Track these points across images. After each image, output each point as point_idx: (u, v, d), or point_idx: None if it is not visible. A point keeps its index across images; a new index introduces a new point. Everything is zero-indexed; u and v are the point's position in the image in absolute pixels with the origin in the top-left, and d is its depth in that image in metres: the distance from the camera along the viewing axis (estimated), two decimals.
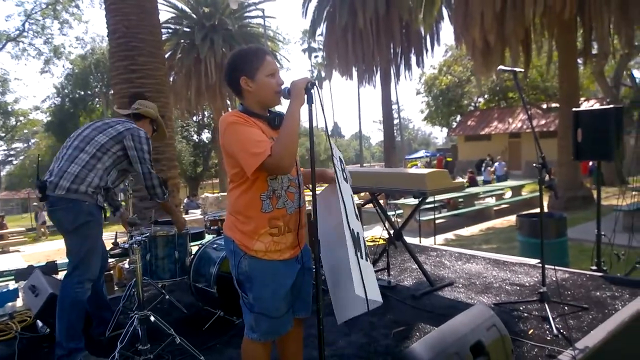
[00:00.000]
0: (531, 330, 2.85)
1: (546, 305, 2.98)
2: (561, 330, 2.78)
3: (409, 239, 7.57)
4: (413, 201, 10.60)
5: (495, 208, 13.61)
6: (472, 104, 32.25)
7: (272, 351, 2.04)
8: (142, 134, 2.94)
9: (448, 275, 4.16)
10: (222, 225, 3.89)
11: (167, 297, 3.52)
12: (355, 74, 22.23)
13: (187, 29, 22.62)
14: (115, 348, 2.56)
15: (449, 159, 30.76)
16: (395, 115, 62.38)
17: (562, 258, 5.44)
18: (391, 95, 22.83)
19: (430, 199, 12.77)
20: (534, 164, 3.07)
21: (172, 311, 3.59)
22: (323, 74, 50.24)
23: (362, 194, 5.25)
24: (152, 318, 2.70)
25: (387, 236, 4.09)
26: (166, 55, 22.85)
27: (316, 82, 1.81)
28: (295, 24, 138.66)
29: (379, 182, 3.92)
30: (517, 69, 3.17)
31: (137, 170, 2.93)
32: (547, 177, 3.09)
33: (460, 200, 13.65)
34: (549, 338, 2.72)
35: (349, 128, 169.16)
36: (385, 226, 4.03)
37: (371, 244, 5.52)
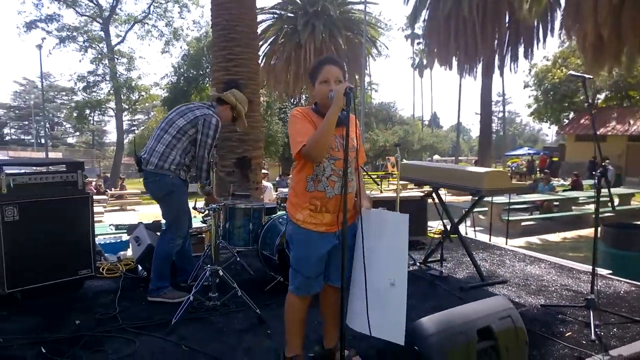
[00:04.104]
0: (569, 333, 2.91)
1: (590, 312, 2.99)
2: (601, 337, 2.81)
3: (495, 239, 7.53)
4: (497, 199, 10.32)
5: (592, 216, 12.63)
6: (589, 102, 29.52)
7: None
8: (214, 121, 3.33)
9: (504, 274, 4.23)
10: None
11: (239, 259, 4.07)
12: (455, 64, 21.55)
13: (291, 14, 23.50)
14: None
15: (554, 159, 28.68)
16: (500, 108, 58.98)
17: None
18: (492, 87, 21.83)
19: (519, 199, 12.35)
20: None
21: (242, 273, 4.15)
22: (425, 62, 49.04)
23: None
24: (221, 272, 3.22)
25: (443, 229, 4.25)
26: (269, 40, 24.08)
27: (353, 89, 2.09)
28: (400, 9, 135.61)
29: (440, 177, 4.08)
30: (587, 76, 3.15)
31: (196, 151, 3.32)
32: None
33: (556, 203, 12.91)
34: (584, 342, 2.77)
35: (448, 119, 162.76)
36: (442, 220, 4.19)
37: (437, 236, 5.65)
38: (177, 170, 3.32)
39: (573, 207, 13.06)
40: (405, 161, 4.88)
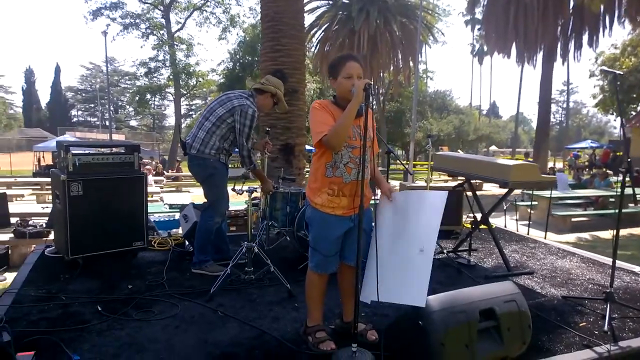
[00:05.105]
0: (583, 323, 2.99)
1: (608, 304, 3.05)
2: (613, 329, 2.88)
3: (539, 233, 7.48)
4: (545, 194, 10.10)
5: None
6: None
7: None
8: (250, 111, 3.55)
9: (532, 266, 4.29)
10: None
11: (288, 238, 4.40)
12: (514, 52, 20.77)
13: (346, 1, 23.47)
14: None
15: (619, 153, 27.09)
16: (565, 98, 55.94)
17: None
18: (552, 77, 20.79)
19: (571, 194, 11.98)
20: None
21: (280, 251, 4.48)
22: (485, 48, 47.39)
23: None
24: (256, 249, 3.54)
25: (472, 220, 4.36)
26: (323, 27, 24.22)
27: (371, 84, 2.28)
28: None
29: (471, 169, 4.17)
30: (617, 72, 3.15)
31: (236, 139, 3.60)
32: None
33: (612, 200, 12.38)
34: (596, 332, 2.85)
35: (508, 108, 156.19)
36: (472, 211, 4.30)
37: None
38: (217, 155, 3.64)
39: (630, 205, 12.46)
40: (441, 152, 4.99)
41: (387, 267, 2.42)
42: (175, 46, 30.23)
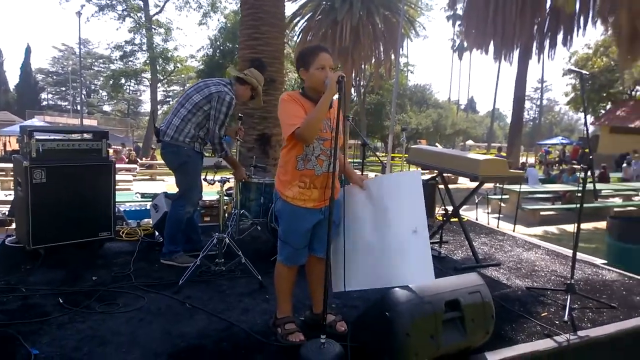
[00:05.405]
0: (544, 314, 3.07)
1: (568, 295, 3.15)
2: (573, 319, 2.97)
3: (509, 226, 7.66)
4: (517, 187, 10.33)
5: (617, 209, 12.45)
6: (628, 93, 28.44)
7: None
8: (228, 98, 3.50)
9: (500, 258, 4.39)
10: None
11: (259, 228, 4.37)
12: (492, 48, 21.04)
13: None
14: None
15: (587, 150, 27.94)
16: (538, 95, 57.17)
17: None
18: (527, 74, 21.17)
19: (541, 189, 12.30)
20: None
21: (254, 242, 4.46)
22: (465, 44, 47.94)
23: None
24: (227, 240, 3.51)
25: (444, 212, 4.43)
26: (306, 17, 23.98)
27: (344, 76, 2.27)
28: None
29: (444, 162, 4.23)
30: (584, 72, 3.22)
31: (209, 125, 3.53)
32: None
33: (578, 195, 12.76)
34: (557, 322, 2.93)
35: (485, 104, 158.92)
36: (443, 203, 4.36)
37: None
38: (192, 143, 3.56)
39: (594, 200, 12.87)
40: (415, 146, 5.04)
41: (374, 254, 2.49)
42: (153, 30, 29.43)
